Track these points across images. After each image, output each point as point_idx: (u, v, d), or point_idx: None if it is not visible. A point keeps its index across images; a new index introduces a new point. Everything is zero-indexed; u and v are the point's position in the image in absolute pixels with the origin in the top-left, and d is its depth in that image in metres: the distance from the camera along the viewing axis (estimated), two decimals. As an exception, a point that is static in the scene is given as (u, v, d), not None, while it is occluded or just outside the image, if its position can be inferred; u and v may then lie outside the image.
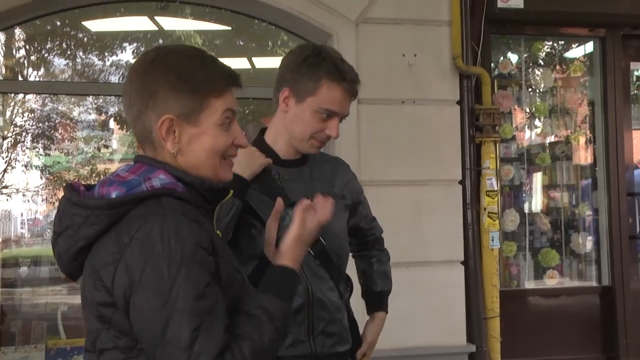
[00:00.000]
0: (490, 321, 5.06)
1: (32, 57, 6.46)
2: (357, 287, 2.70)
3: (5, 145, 7.80)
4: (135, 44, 6.62)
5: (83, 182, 1.63)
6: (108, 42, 6.48)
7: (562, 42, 6.01)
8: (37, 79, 6.63)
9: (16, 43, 6.14)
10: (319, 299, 2.36)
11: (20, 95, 7.54)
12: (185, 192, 1.58)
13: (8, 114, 7.77)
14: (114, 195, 1.52)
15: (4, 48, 6.01)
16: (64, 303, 6.70)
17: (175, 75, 1.59)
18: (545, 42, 5.89)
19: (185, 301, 1.41)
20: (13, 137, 7.87)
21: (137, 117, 1.62)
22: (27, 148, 7.93)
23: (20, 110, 7.88)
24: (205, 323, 1.41)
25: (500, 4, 5.24)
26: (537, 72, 5.81)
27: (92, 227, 1.51)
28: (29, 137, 7.93)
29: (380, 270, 2.77)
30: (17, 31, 5.80)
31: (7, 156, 7.87)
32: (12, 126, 7.84)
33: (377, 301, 2.75)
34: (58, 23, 5.98)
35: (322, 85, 2.31)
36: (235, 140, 1.66)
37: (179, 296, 1.41)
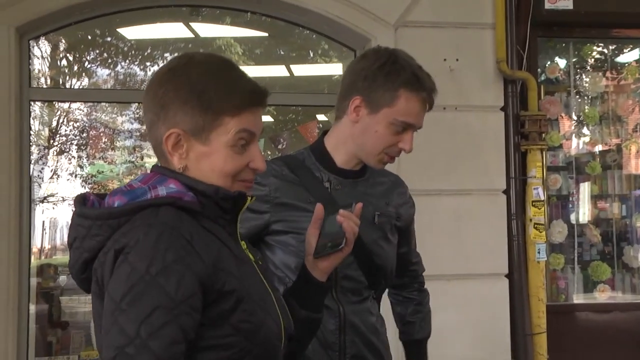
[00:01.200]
0: (537, 337, 4.86)
1: (71, 65, 6.49)
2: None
3: (50, 154, 7.89)
4: (175, 53, 6.61)
5: (98, 193, 1.58)
6: (146, 50, 6.48)
7: (614, 45, 5.78)
8: (76, 87, 6.65)
9: (52, 51, 6.16)
10: (351, 321, 2.24)
11: (64, 105, 7.60)
12: (194, 202, 1.49)
13: (54, 123, 7.85)
14: (116, 204, 1.47)
15: (44, 56, 6.02)
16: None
17: (189, 89, 1.50)
18: (596, 45, 5.67)
19: (126, 317, 1.34)
20: (58, 146, 7.96)
21: (149, 127, 1.56)
22: (72, 157, 8.01)
23: (65, 120, 7.95)
24: (130, 348, 1.32)
25: (547, 5, 5.06)
26: (586, 77, 5.59)
27: (95, 238, 1.46)
28: (73, 146, 8.01)
29: (421, 315, 2.65)
30: (54, 38, 5.80)
31: (53, 165, 7.97)
32: (58, 135, 7.93)
33: (419, 350, 2.66)
34: (98, 32, 5.99)
35: (400, 96, 2.15)
36: (251, 163, 1.56)
37: (124, 309, 1.34)
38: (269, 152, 6.45)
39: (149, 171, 1.59)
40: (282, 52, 6.34)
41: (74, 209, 1.51)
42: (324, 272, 1.79)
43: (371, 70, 2.19)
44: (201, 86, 1.50)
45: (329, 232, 1.78)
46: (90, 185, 8.47)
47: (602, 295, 5.41)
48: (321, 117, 5.69)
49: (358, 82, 2.21)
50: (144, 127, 8.35)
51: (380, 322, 2.37)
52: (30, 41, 4.87)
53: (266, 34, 5.96)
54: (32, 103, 5.00)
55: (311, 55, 6.35)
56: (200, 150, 1.52)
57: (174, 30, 5.83)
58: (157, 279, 1.35)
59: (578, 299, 5.44)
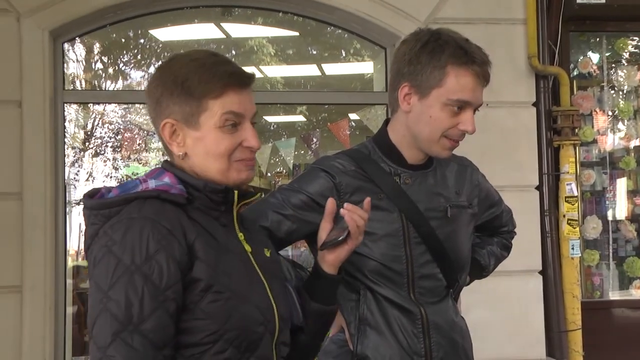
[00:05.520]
0: (572, 334, 4.82)
1: (105, 67, 6.56)
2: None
3: (86, 157, 7.97)
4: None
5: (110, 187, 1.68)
6: (178, 51, 6.51)
7: (649, 39, 5.70)
8: (110, 89, 6.73)
9: (87, 53, 6.23)
10: (434, 322, 2.10)
11: (99, 107, 7.68)
12: (178, 195, 1.58)
13: (89, 125, 7.93)
14: (109, 196, 1.58)
15: (78, 59, 6.10)
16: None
17: (173, 80, 1.61)
18: (630, 38, 5.58)
19: (116, 305, 1.43)
20: (93, 148, 8.05)
21: (153, 124, 1.69)
22: (107, 159, 8.09)
23: (100, 122, 8.04)
24: (125, 334, 1.42)
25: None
26: (620, 71, 5.51)
27: (92, 226, 1.56)
28: (108, 148, 8.09)
29: (492, 250, 2.48)
30: (88, 41, 5.88)
31: (88, 167, 8.05)
32: (93, 138, 8.02)
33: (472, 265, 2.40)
34: (131, 34, 6.06)
35: (449, 72, 1.98)
36: (245, 142, 1.64)
37: (112, 298, 1.44)
38: (301, 151, 6.46)
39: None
40: (313, 52, 6.36)
41: (82, 203, 1.64)
42: (331, 265, 1.80)
43: (414, 52, 2.03)
44: (183, 76, 1.60)
45: (339, 226, 1.78)
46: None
47: (638, 292, 5.33)
48: (353, 116, 5.69)
49: (403, 68, 2.06)
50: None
51: (462, 320, 2.24)
52: (65, 44, 4.94)
53: (297, 34, 5.98)
54: (66, 105, 5.07)
55: (343, 54, 6.36)
56: (194, 135, 1.62)
57: (206, 31, 5.88)
58: (142, 268, 1.46)
59: (613, 295, 5.36)
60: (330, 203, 1.83)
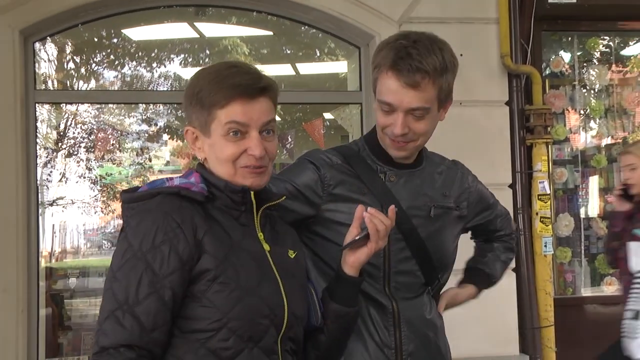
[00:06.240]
0: (545, 330, 4.87)
1: (77, 67, 6.50)
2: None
3: (58, 157, 7.89)
4: (181, 53, 6.62)
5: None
6: (152, 51, 6.48)
7: (620, 38, 5.77)
8: (83, 89, 6.67)
9: (58, 53, 6.17)
10: (406, 317, 2.14)
11: (71, 107, 7.61)
12: (198, 193, 1.72)
13: (61, 126, 7.86)
14: (139, 191, 1.74)
15: (50, 58, 6.04)
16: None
17: (191, 92, 1.76)
18: (601, 38, 5.65)
19: (118, 286, 1.60)
20: (66, 149, 7.97)
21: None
22: (80, 160, 8.01)
23: (72, 122, 7.96)
24: (119, 312, 1.57)
25: (551, -1, 5.05)
26: (591, 70, 5.58)
27: (124, 218, 1.74)
28: (81, 149, 8.01)
29: (494, 256, 2.56)
30: (60, 40, 5.82)
31: (61, 168, 7.97)
32: (65, 138, 7.94)
33: (476, 276, 2.54)
34: (104, 33, 6.01)
35: (378, 76, 2.07)
36: (249, 150, 1.73)
37: (117, 279, 1.61)
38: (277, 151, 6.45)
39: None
40: (288, 51, 6.35)
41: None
42: (352, 267, 1.88)
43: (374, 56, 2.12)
44: (198, 87, 1.75)
45: (363, 228, 1.84)
46: (99, 188, 8.50)
47: (610, 288, 5.40)
48: (327, 115, 5.69)
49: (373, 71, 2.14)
50: (152, 128, 8.40)
51: (437, 317, 2.26)
52: (36, 43, 4.89)
53: (271, 33, 5.97)
54: (38, 106, 5.01)
55: (317, 53, 6.35)
56: (208, 142, 1.76)
57: (179, 30, 5.84)
58: (146, 255, 1.61)
59: (585, 292, 5.44)
60: (360, 209, 1.87)
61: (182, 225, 1.65)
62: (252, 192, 1.76)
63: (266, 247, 1.79)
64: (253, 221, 1.79)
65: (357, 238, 1.82)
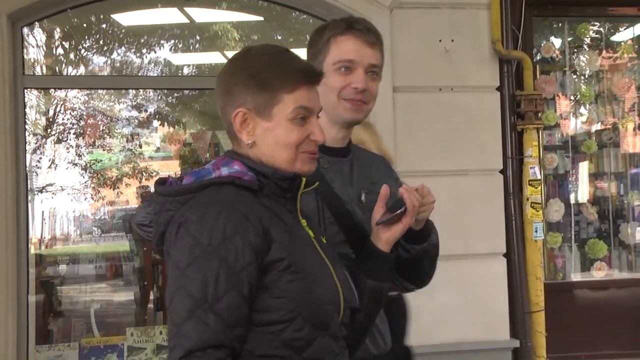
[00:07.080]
0: (535, 315, 4.88)
1: (66, 52, 6.46)
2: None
3: (48, 144, 7.86)
4: (170, 39, 6.59)
5: (178, 177, 1.79)
6: (142, 37, 6.45)
7: (610, 24, 5.77)
8: (72, 74, 6.62)
9: (47, 38, 6.13)
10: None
11: (61, 93, 7.58)
12: (252, 181, 1.68)
13: (51, 112, 7.82)
14: (185, 182, 1.69)
15: (38, 44, 6.00)
16: (96, 301, 6.73)
17: (248, 74, 1.70)
18: (591, 24, 5.65)
19: (192, 283, 1.54)
20: (56, 135, 7.93)
21: (220, 112, 1.78)
22: (70, 146, 7.98)
23: (62, 108, 7.93)
24: (200, 311, 1.51)
25: (542, -15, 5.04)
26: (582, 56, 5.58)
27: (168, 212, 1.67)
28: (71, 135, 7.98)
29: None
30: (48, 26, 5.77)
31: (50, 154, 7.94)
32: (55, 124, 7.90)
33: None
34: (92, 18, 5.97)
35: (331, 43, 2.14)
36: (312, 135, 1.73)
37: (189, 276, 1.54)
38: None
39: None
40: (278, 37, 6.32)
41: (153, 190, 1.74)
42: (386, 243, 1.90)
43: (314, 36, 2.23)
44: (259, 70, 1.70)
45: (391, 206, 1.89)
46: (89, 175, 8.48)
47: (599, 273, 5.43)
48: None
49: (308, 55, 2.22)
50: (142, 114, 8.33)
51: None
52: (24, 28, 4.84)
53: (262, 19, 5.94)
54: (27, 91, 4.98)
55: (307, 39, 6.32)
56: (265, 126, 1.71)
57: (169, 15, 5.80)
58: (218, 250, 1.55)
59: (575, 276, 5.45)
60: (385, 189, 1.92)
61: (249, 216, 1.60)
62: (304, 179, 1.76)
63: (311, 233, 1.78)
64: (296, 208, 1.79)
65: (398, 212, 1.86)
